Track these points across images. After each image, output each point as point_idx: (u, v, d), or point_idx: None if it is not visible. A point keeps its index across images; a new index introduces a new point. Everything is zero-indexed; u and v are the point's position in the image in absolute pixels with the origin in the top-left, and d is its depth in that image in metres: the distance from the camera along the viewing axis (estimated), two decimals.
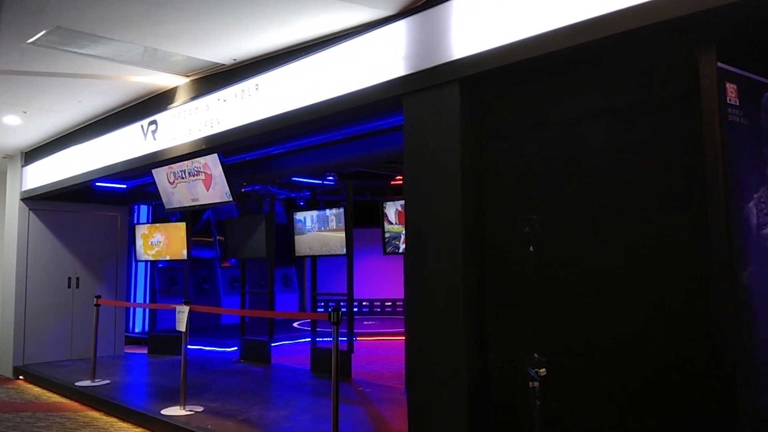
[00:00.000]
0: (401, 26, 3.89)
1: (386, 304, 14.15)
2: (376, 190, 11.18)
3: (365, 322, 12.95)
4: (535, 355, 3.22)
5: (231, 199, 6.27)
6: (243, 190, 8.46)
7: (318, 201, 9.24)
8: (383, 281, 13.57)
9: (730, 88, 2.54)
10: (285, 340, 10.58)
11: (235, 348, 9.33)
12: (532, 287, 3.37)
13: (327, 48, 4.42)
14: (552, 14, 3.03)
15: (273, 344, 8.73)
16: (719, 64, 2.53)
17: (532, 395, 3.19)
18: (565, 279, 3.22)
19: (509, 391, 3.42)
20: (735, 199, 2.49)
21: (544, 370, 3.19)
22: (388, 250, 7.82)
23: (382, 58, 3.98)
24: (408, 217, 3.88)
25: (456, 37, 3.53)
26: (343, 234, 7.32)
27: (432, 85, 3.68)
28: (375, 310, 14.39)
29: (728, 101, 2.53)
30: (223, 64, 5.30)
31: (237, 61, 5.18)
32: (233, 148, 5.90)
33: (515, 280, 3.44)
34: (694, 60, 2.67)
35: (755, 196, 2.57)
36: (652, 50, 2.91)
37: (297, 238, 8.02)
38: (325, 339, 7.35)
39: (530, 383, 3.20)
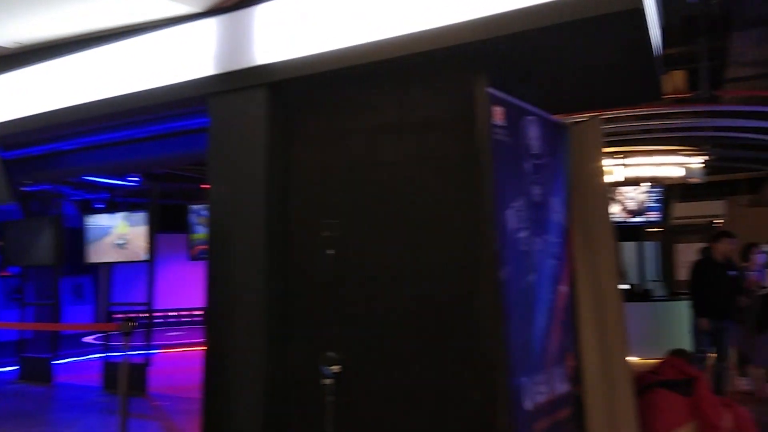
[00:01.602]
0: (209, 24, 3.83)
1: (194, 313, 13.54)
2: (187, 193, 10.70)
3: (170, 333, 12.27)
4: (329, 353, 3.35)
5: (8, 198, 5.57)
6: (26, 188, 7.54)
7: (119, 203, 8.58)
8: (192, 289, 12.97)
9: (497, 111, 2.93)
10: (74, 357, 9.64)
11: (15, 368, 8.25)
12: (330, 289, 3.50)
13: (128, 38, 4.17)
14: (350, 32, 3.24)
15: (59, 361, 7.89)
16: (488, 90, 2.91)
17: (325, 392, 3.31)
18: (359, 280, 3.40)
19: (307, 391, 3.50)
20: (498, 206, 2.87)
21: (337, 367, 3.33)
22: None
23: (189, 55, 3.87)
24: (211, 221, 3.81)
25: (264, 41, 3.57)
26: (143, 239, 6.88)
27: (239, 87, 3.67)
28: (182, 320, 13.69)
29: (495, 122, 2.91)
30: (4, 47, 4.72)
31: (22, 44, 4.65)
32: (15, 141, 5.27)
33: (316, 283, 3.55)
34: (471, 84, 3.03)
35: (514, 204, 2.99)
36: (439, 74, 3.24)
37: (92, 243, 7.36)
38: (124, 353, 6.83)
39: (324, 381, 3.32)
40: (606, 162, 8.90)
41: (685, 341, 5.96)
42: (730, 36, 6.79)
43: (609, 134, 9.02)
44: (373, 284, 3.36)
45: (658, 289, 10.65)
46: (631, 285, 10.54)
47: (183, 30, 3.95)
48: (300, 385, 3.53)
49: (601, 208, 3.63)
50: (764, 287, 6.45)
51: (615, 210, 10.15)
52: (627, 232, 10.81)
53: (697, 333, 5.95)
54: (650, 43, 3.03)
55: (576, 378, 3.54)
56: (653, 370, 4.02)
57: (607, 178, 3.84)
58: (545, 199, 3.32)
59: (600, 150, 3.64)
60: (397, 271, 3.29)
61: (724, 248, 6.05)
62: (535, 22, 2.73)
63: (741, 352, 6.52)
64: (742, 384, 6.51)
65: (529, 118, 3.24)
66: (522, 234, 3.04)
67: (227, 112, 3.74)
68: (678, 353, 4.18)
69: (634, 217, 10.43)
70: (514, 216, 2.98)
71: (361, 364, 3.33)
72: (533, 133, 3.25)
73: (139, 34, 4.13)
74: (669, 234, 13.02)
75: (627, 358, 3.51)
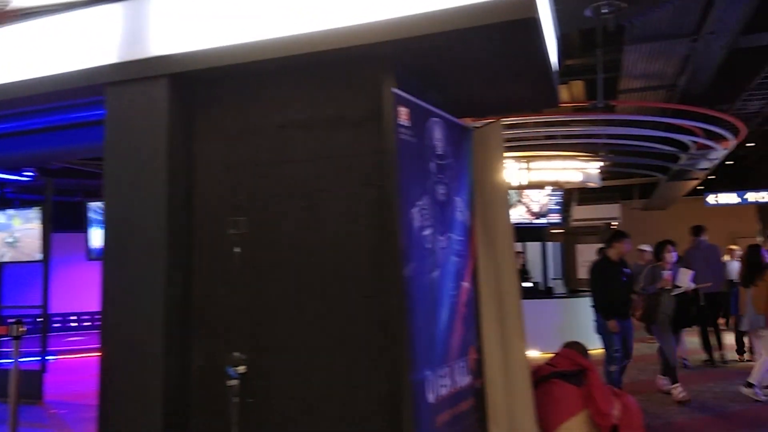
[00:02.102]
0: (110, 10, 3.66)
1: (96, 317, 12.85)
2: (86, 189, 10.13)
3: (69, 338, 11.58)
4: (235, 353, 3.29)
5: None
6: None
7: (11, 199, 8.02)
8: (92, 292, 12.31)
9: (403, 111, 3.00)
10: None
11: None
12: (237, 288, 3.44)
13: (22, 22, 3.91)
14: (258, 26, 3.21)
15: None
16: (394, 90, 2.97)
17: (230, 394, 3.25)
18: (267, 279, 3.37)
19: (211, 394, 3.42)
20: (403, 205, 2.94)
21: (243, 367, 3.28)
22: None
23: (87, 42, 3.68)
24: (107, 218, 3.64)
25: (167, 30, 3.46)
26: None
27: (140, 77, 3.53)
28: (84, 324, 12.95)
29: (401, 122, 2.97)
30: None
31: None
32: None
33: (222, 282, 3.48)
34: (379, 84, 3.09)
35: (418, 203, 3.07)
36: (347, 72, 3.27)
37: None
38: (21, 359, 6.38)
39: (229, 382, 3.26)
40: (511, 166, 9.39)
41: (583, 335, 6.27)
42: (622, 50, 7.30)
43: (515, 140, 9.48)
44: (279, 282, 3.34)
45: (559, 287, 11.26)
46: (535, 283, 11.10)
47: (81, 15, 3.75)
48: (203, 387, 3.44)
49: (501, 208, 3.79)
50: (678, 287, 6.42)
51: (519, 212, 10.65)
52: (531, 232, 11.35)
53: (606, 334, 6.21)
54: (546, 52, 3.20)
55: (478, 371, 3.68)
56: (549, 362, 4.25)
57: (508, 180, 4.02)
58: (449, 199, 3.43)
59: (501, 153, 3.80)
60: (304, 269, 3.29)
61: (620, 248, 6.41)
62: (436, 26, 2.82)
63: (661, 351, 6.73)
64: (662, 382, 6.75)
65: (434, 119, 3.33)
66: (426, 232, 3.13)
67: (127, 103, 3.58)
68: (572, 345, 4.43)
69: (537, 218, 10.99)
70: (419, 214, 3.06)
71: (268, 364, 3.30)
72: (438, 135, 3.35)
73: (34, 18, 3.88)
74: (569, 235, 13.84)
75: (525, 351, 3.68)
